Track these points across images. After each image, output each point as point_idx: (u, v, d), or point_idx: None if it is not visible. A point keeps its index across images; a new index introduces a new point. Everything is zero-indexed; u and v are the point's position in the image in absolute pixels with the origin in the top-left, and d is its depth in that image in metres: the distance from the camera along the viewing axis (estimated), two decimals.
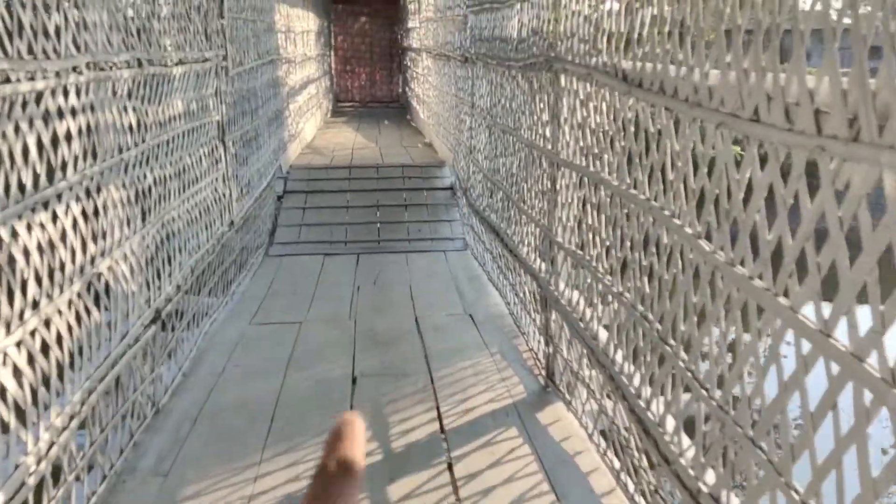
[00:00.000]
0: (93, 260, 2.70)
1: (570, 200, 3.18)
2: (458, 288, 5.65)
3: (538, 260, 3.76)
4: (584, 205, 2.97)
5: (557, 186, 3.34)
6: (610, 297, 2.73)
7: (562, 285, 3.29)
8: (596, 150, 2.75)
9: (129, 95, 3.16)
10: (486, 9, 5.16)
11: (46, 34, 2.38)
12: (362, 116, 14.78)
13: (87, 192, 2.69)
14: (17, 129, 2.15)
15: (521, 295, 4.31)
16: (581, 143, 2.96)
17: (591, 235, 2.88)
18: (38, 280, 2.26)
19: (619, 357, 2.61)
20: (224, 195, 4.80)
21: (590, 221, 2.86)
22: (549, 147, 3.46)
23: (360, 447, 0.52)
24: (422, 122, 11.81)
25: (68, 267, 2.48)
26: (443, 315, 4.99)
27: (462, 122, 6.92)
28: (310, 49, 11.77)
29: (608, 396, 2.78)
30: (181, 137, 3.89)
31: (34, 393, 2.20)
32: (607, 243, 2.75)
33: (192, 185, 4.09)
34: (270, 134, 7.30)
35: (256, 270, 6.10)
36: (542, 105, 3.60)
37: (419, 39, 11.92)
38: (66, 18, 2.52)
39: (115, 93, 2.99)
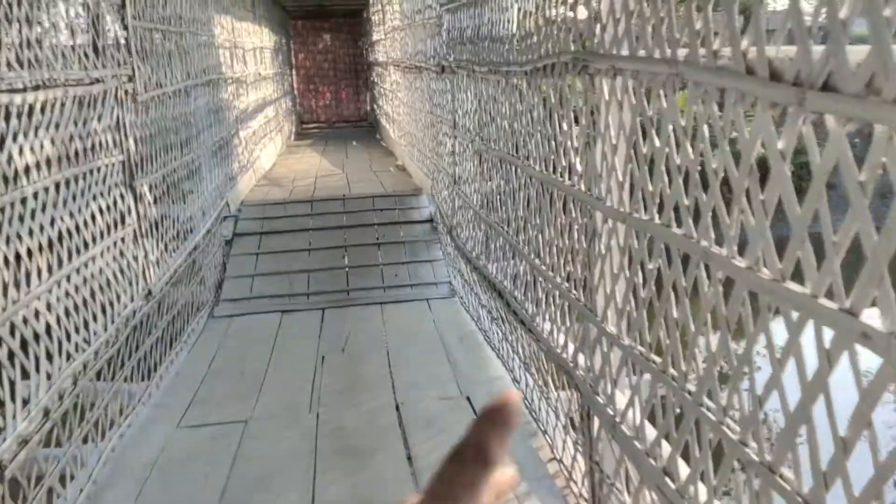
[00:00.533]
0: None
1: (622, 271, 2.07)
2: (449, 353, 4.51)
3: (572, 349, 2.64)
4: (654, 281, 1.86)
5: (599, 247, 2.23)
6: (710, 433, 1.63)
7: (619, 397, 2.17)
8: (684, 201, 1.64)
9: None
10: (467, 2, 4.06)
11: None
12: (328, 138, 13.65)
13: None
14: None
15: (543, 383, 3.19)
16: (647, 187, 1.85)
17: (669, 330, 1.77)
18: None
19: None
20: (135, 259, 3.62)
21: (669, 311, 1.76)
22: (582, 187, 2.36)
23: (507, 437, 0.41)
24: (393, 142, 10.71)
25: None
26: (433, 399, 3.85)
27: (441, 143, 5.81)
28: (265, 68, 10.61)
29: None
30: (48, 193, 2.72)
31: None
32: (702, 351, 1.66)
33: (75, 258, 2.92)
34: (213, 168, 6.12)
35: (197, 339, 4.91)
36: (564, 125, 2.50)
37: (385, 52, 10.84)
38: None
39: None
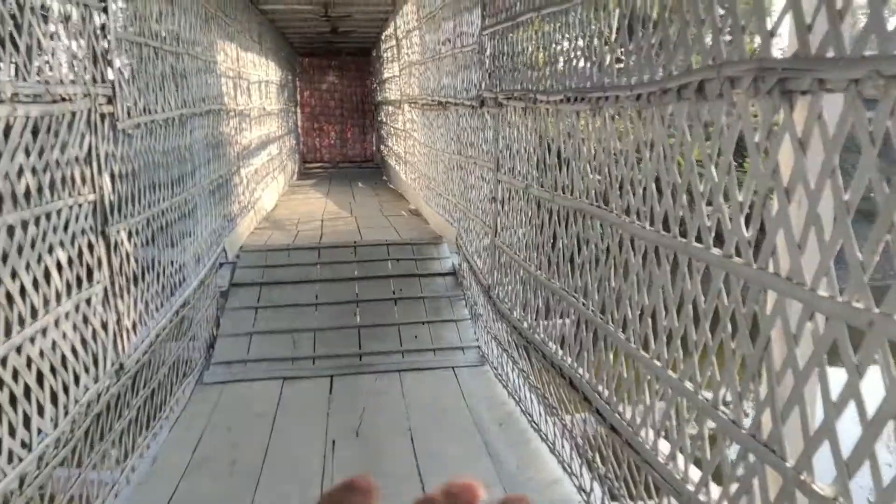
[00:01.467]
0: None
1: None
2: (487, 442, 3.69)
3: (698, 475, 1.85)
4: None
5: (791, 348, 1.46)
6: None
7: None
8: None
9: None
10: (525, 20, 3.36)
11: None
12: (333, 178, 12.99)
13: None
14: None
15: None
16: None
17: None
18: None
19: None
20: (104, 326, 2.82)
21: None
22: (750, 259, 1.60)
23: None
24: (404, 184, 10.02)
25: None
26: None
27: (473, 188, 5.08)
28: (270, 103, 9.98)
29: None
30: None
31: None
32: None
33: (15, 333, 2.13)
34: (211, 209, 5.37)
35: (180, 415, 4.08)
36: (714, 169, 1.75)
37: (399, 90, 10.22)
38: None
39: None
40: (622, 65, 2.30)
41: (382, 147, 13.90)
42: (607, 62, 2.37)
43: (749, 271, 1.59)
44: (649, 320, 2.12)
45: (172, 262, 3.97)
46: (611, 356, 2.45)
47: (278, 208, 9.19)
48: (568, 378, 2.85)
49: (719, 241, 1.72)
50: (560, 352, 2.98)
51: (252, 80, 8.26)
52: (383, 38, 11.93)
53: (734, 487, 1.69)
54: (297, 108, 15.02)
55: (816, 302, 1.36)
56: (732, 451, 1.73)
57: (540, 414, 3.61)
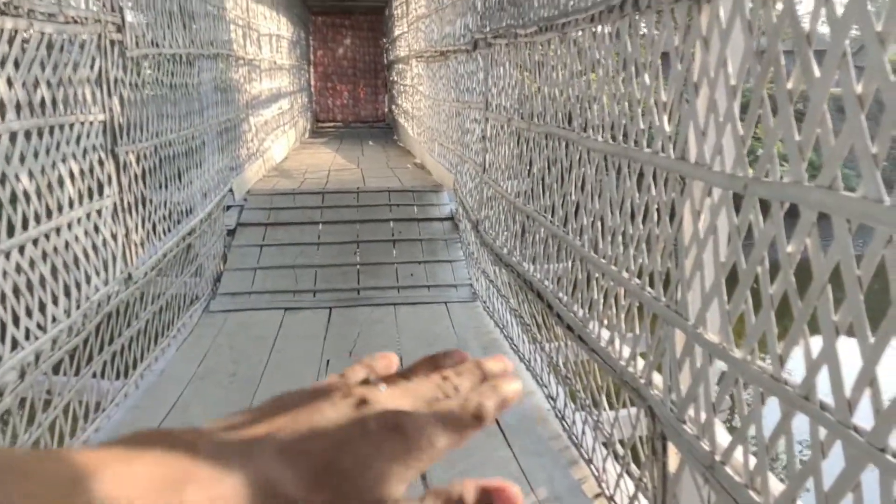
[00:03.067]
0: None
1: (737, 259, 1.52)
2: None
3: (642, 362, 2.10)
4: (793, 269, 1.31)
5: (697, 229, 1.68)
6: None
7: (720, 430, 1.62)
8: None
9: None
10: None
11: None
12: (343, 137, 13.20)
13: None
14: None
15: (592, 403, 2.62)
16: (793, 136, 1.31)
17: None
18: None
19: None
20: (113, 237, 3.10)
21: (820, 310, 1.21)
22: (671, 154, 1.82)
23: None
24: (411, 140, 10.21)
25: None
26: None
27: (468, 132, 5.28)
28: (281, 57, 10.16)
29: None
30: None
31: None
32: None
33: (32, 226, 2.40)
34: (218, 150, 5.62)
35: (188, 336, 4.38)
36: (647, 76, 1.96)
37: (408, 46, 10.36)
38: None
39: None
40: None
41: (393, 107, 14.06)
42: None
43: (669, 162, 1.81)
44: (598, 225, 2.35)
45: (179, 191, 4.23)
46: (569, 263, 2.68)
47: (288, 160, 9.44)
48: (536, 291, 3.09)
49: (650, 140, 1.94)
50: (531, 268, 3.22)
51: (262, 32, 8.44)
52: None
53: (654, 356, 1.93)
54: (309, 67, 15.17)
55: (711, 177, 1.58)
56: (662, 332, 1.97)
57: (519, 336, 3.86)
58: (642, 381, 2.00)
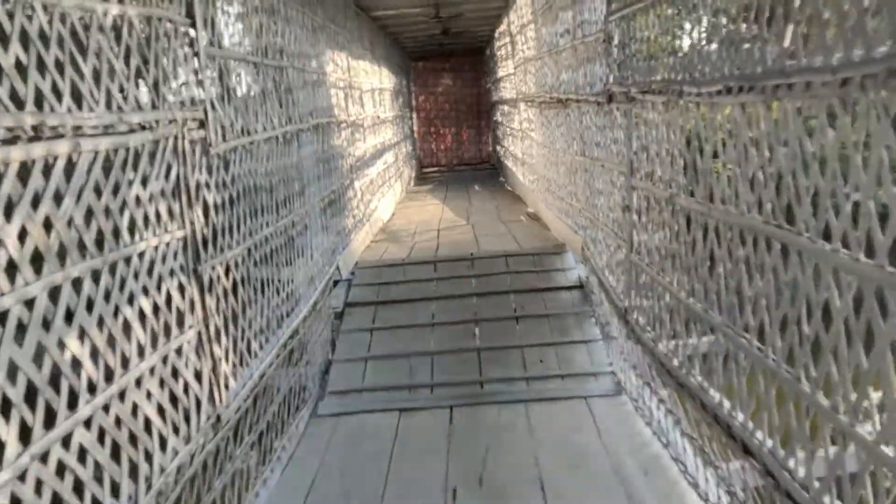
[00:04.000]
0: None
1: None
2: (632, 495, 3.16)
3: None
4: None
5: None
6: None
7: None
8: None
9: None
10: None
11: None
12: (449, 182, 12.75)
13: None
14: None
15: None
16: None
17: None
18: None
19: None
20: (198, 377, 2.56)
21: None
22: None
23: None
24: (522, 186, 9.54)
25: None
26: None
27: (600, 193, 4.53)
28: (384, 110, 9.81)
29: None
30: (34, 307, 1.68)
31: None
32: None
33: (84, 402, 1.86)
34: (323, 227, 5.15)
35: (294, 452, 3.84)
36: None
37: (514, 88, 9.75)
38: None
39: None
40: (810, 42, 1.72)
41: (498, 148, 13.49)
42: (789, 37, 1.79)
43: None
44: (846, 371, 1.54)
45: (279, 292, 3.72)
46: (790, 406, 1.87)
47: (395, 217, 8.99)
48: (713, 414, 2.27)
49: None
50: (725, 403, 2.40)
51: (364, 89, 8.07)
52: (496, 35, 11.51)
53: None
54: (412, 114, 14.90)
55: None
56: None
57: (696, 466, 3.02)
58: None
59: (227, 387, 2.77)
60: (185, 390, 2.45)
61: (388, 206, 9.14)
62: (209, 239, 2.74)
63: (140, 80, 2.28)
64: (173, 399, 2.36)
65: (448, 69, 15.57)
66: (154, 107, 2.36)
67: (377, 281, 5.83)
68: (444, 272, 5.91)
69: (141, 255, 2.23)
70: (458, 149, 16.05)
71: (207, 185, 2.78)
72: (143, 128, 2.27)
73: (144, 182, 2.27)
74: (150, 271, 2.28)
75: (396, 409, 4.35)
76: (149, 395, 2.20)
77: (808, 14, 1.69)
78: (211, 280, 2.73)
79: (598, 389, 4.39)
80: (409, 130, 13.93)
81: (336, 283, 5.55)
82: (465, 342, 4.97)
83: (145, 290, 2.24)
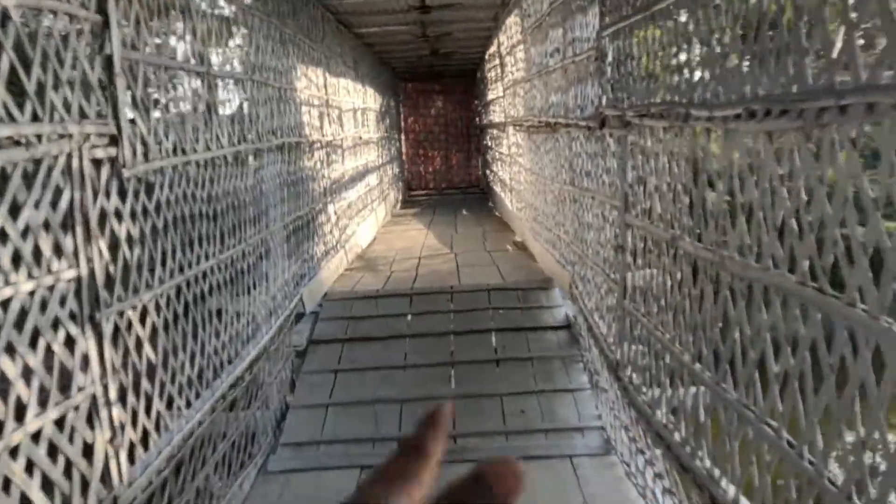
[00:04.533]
0: None
1: None
2: None
3: None
4: None
5: None
6: None
7: None
8: None
9: None
10: (665, 9, 2.37)
11: None
12: (437, 206, 12.31)
13: None
14: None
15: None
16: None
17: None
18: None
19: None
20: (86, 449, 2.07)
21: None
22: None
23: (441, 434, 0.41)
24: (509, 213, 9.11)
25: None
26: None
27: (589, 227, 4.08)
28: (368, 131, 9.39)
29: None
30: None
31: None
32: None
33: None
34: (286, 255, 4.68)
35: None
36: None
37: (503, 111, 9.37)
38: None
39: None
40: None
41: (488, 172, 13.10)
42: (838, 49, 1.36)
43: None
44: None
45: (219, 334, 3.24)
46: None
47: (375, 242, 8.53)
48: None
49: None
50: (743, 502, 1.93)
51: (345, 108, 7.65)
52: (486, 57, 11.16)
53: None
54: (400, 135, 14.50)
55: None
56: None
57: None
58: None
59: (131, 460, 2.27)
60: (67, 472, 1.95)
61: (368, 231, 8.67)
62: (116, 279, 2.27)
63: (13, 86, 1.81)
64: (47, 485, 1.86)
65: (439, 91, 15.23)
66: (36, 118, 1.89)
67: (346, 315, 5.35)
68: (420, 306, 5.44)
69: (4, 304, 1.75)
70: (448, 172, 15.64)
71: (118, 214, 2.31)
72: (18, 143, 1.80)
73: (14, 212, 1.80)
74: (18, 325, 1.80)
75: (358, 467, 3.82)
76: (6, 484, 1.71)
77: (873, 10, 1.25)
78: (116, 329, 2.25)
79: (585, 447, 3.90)
80: (396, 152, 13.52)
81: (300, 316, 5.06)
82: (438, 388, 4.48)
83: (9, 349, 1.76)
